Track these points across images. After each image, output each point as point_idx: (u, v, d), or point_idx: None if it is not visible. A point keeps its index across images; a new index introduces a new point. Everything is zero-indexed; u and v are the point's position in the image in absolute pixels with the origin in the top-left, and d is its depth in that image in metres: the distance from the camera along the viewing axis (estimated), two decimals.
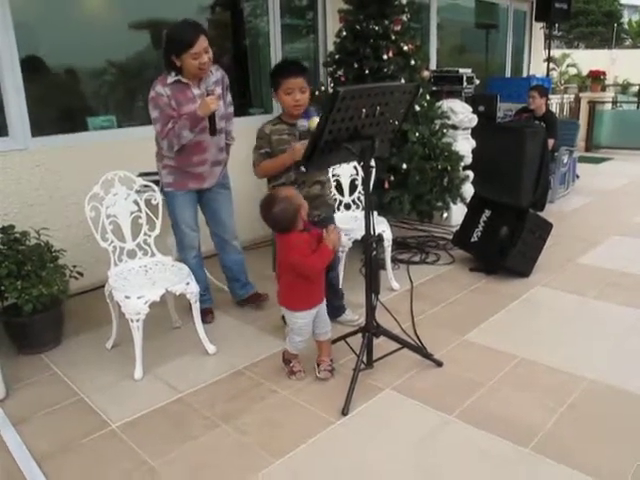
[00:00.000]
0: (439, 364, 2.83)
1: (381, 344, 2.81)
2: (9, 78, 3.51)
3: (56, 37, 3.89)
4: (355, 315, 3.27)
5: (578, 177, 7.05)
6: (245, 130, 3.57)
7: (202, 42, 2.91)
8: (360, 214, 3.74)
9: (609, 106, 10.26)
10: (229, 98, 3.32)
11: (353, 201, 3.94)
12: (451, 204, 4.45)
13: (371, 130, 2.47)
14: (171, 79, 3.00)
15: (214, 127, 3.02)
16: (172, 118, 3.00)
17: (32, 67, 3.75)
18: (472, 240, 4.29)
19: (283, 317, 2.93)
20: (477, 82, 6.42)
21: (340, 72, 4.32)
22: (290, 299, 2.66)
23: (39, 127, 3.71)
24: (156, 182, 3.22)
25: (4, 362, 2.74)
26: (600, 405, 2.50)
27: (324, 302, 2.71)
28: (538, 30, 9.41)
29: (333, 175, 3.89)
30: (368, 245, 2.59)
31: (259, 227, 2.74)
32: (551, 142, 5.86)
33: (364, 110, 2.36)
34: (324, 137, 2.30)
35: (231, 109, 3.36)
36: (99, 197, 2.99)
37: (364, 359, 2.69)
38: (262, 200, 2.57)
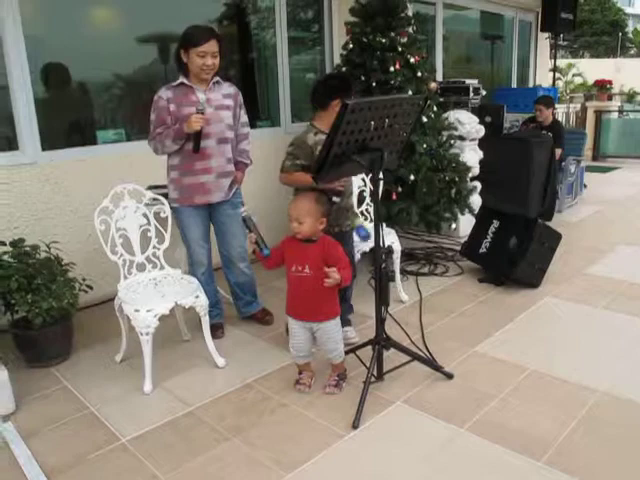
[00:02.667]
0: (449, 376, 2.81)
1: (391, 356, 2.80)
2: (20, 92, 3.54)
3: (66, 51, 3.93)
4: (354, 334, 3.16)
5: (586, 186, 7.03)
6: (252, 143, 3.56)
7: (212, 45, 2.96)
8: (369, 226, 3.74)
9: (615, 115, 10.24)
10: (244, 118, 3.30)
11: (361, 212, 3.94)
12: (459, 215, 4.45)
13: (379, 142, 2.48)
14: (176, 82, 3.06)
15: (198, 145, 2.98)
16: (164, 124, 3.04)
17: (42, 81, 3.80)
18: (481, 251, 4.28)
19: (287, 328, 2.90)
20: (484, 93, 6.43)
21: None
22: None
23: (49, 141, 3.74)
24: (165, 195, 3.23)
25: (14, 375, 2.74)
26: (613, 417, 2.47)
27: (323, 326, 2.61)
28: (543, 40, 9.43)
29: None
30: (378, 257, 2.59)
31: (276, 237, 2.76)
32: (558, 152, 5.85)
33: (372, 122, 2.37)
34: (333, 150, 2.31)
35: (247, 129, 3.33)
36: (108, 210, 3.01)
37: (374, 372, 2.68)
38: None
